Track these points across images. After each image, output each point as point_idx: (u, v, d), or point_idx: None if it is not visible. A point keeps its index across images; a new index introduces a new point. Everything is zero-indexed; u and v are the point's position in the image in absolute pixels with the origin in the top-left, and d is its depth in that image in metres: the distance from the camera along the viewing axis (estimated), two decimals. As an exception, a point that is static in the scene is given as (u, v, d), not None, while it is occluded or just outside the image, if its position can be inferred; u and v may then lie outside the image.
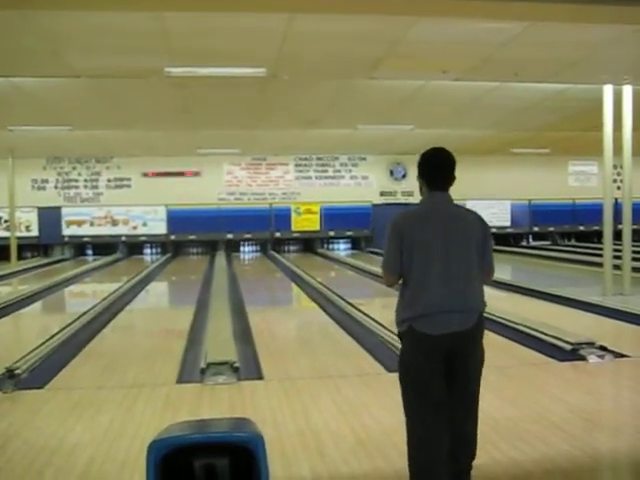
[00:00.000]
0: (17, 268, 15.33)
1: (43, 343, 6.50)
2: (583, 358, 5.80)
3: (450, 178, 3.09)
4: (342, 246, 19.69)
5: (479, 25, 6.60)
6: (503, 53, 7.42)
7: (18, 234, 16.98)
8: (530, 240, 20.82)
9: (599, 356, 5.82)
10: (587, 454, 3.70)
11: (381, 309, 8.81)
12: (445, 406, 2.92)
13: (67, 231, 18.59)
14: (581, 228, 20.16)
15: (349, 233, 19.53)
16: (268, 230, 19.12)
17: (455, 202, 3.11)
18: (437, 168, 3.10)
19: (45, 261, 17.55)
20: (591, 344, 6.03)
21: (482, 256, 3.06)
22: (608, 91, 9.41)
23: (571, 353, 5.93)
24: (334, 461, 3.66)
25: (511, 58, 7.71)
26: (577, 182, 20.15)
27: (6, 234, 17.03)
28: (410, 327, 2.97)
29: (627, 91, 9.33)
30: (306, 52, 7.54)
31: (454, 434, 2.95)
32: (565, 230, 20.58)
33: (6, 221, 17.47)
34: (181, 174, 18.59)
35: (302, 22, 6.35)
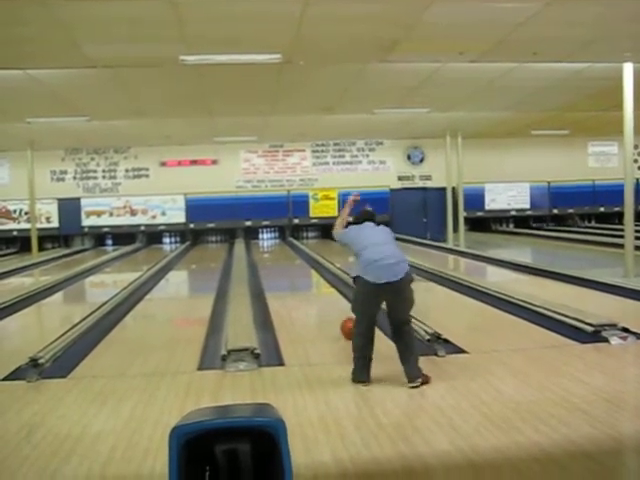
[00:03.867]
0: (38, 259, 15.48)
1: (65, 333, 6.54)
2: (605, 340, 5.75)
3: (373, 220, 5.40)
4: (360, 231, 19.59)
5: (497, 5, 6.52)
6: (521, 33, 7.32)
7: (39, 225, 17.22)
8: (550, 222, 20.65)
9: (621, 338, 5.77)
10: (610, 436, 3.68)
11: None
12: (374, 320, 4.96)
13: (87, 222, 18.75)
14: (601, 209, 19.97)
15: (367, 218, 19.44)
16: (286, 217, 19.15)
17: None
18: (366, 218, 5.42)
19: (65, 252, 17.71)
20: (613, 326, 5.98)
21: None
22: (628, 69, 9.26)
23: (593, 335, 5.88)
24: (355, 445, 3.66)
25: (530, 38, 7.61)
26: (597, 163, 19.91)
27: (27, 226, 17.26)
28: (359, 276, 4.92)
29: (648, 69, 9.19)
30: (322, 36, 7.50)
31: (398, 337, 4.95)
32: (585, 212, 20.37)
33: (27, 213, 17.66)
34: (199, 163, 18.67)
35: (317, 6, 6.32)
